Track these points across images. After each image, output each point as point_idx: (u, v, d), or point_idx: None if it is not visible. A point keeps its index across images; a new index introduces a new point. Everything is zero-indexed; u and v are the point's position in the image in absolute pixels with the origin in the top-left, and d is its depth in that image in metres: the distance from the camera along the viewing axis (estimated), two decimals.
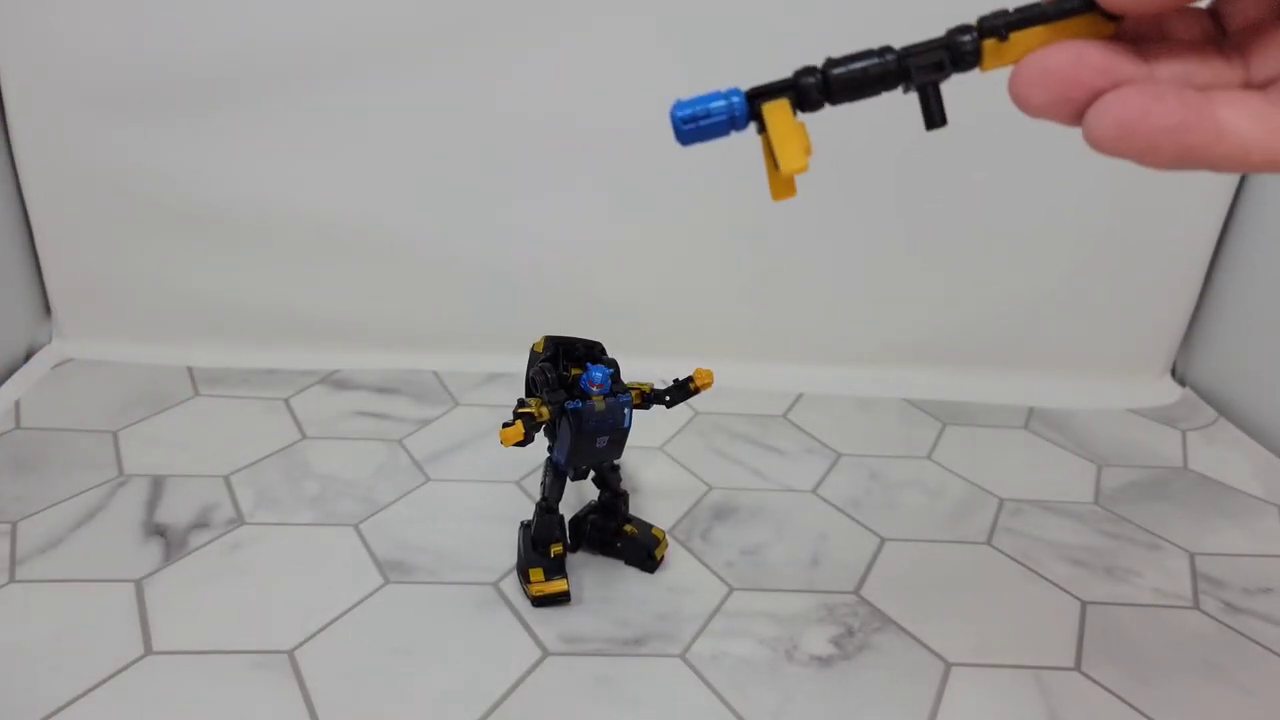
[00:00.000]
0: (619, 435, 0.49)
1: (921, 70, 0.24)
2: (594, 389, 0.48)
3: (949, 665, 0.49)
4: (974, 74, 0.25)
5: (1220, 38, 0.25)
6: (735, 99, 0.25)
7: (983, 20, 0.24)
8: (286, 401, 0.74)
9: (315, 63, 0.72)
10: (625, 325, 0.82)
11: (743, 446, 0.72)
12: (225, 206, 0.77)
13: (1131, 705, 0.47)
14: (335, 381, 0.79)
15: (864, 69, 0.24)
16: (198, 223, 0.77)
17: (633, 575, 0.55)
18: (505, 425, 0.46)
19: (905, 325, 0.84)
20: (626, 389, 0.50)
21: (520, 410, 0.47)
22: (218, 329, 0.81)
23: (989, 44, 0.24)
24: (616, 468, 0.55)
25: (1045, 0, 0.24)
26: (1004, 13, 0.24)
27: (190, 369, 0.78)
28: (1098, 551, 0.61)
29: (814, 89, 0.25)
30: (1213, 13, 0.26)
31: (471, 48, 0.72)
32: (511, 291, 0.82)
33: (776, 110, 0.25)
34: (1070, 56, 0.23)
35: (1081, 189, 0.78)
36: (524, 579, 0.52)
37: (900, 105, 0.74)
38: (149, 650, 0.47)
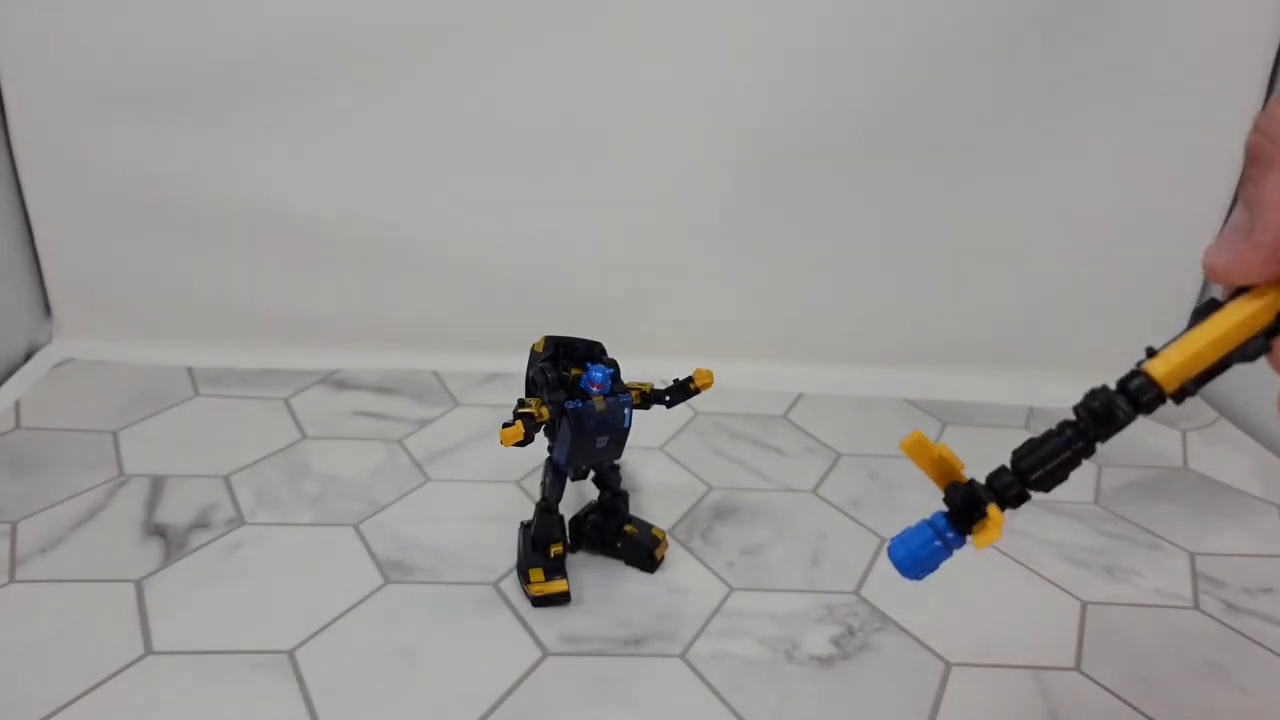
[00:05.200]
0: (619, 435, 0.49)
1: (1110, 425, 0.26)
2: (594, 389, 0.48)
3: (949, 665, 0.49)
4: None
5: None
6: (939, 523, 0.28)
7: (1129, 384, 0.26)
8: (286, 401, 0.74)
9: (313, 63, 0.72)
10: (625, 325, 0.82)
11: (743, 446, 0.72)
12: (226, 207, 0.77)
13: (1131, 705, 0.47)
14: (335, 381, 0.79)
15: (1058, 464, 0.27)
16: (198, 223, 0.77)
17: (633, 575, 0.55)
18: (505, 425, 0.46)
19: (905, 325, 0.84)
20: (626, 389, 0.50)
21: (520, 410, 0.47)
22: (218, 329, 0.81)
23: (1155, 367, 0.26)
24: (616, 467, 0.55)
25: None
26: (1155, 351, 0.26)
27: (190, 369, 0.78)
28: (1098, 551, 0.61)
29: (1013, 488, 0.28)
30: None
31: (472, 47, 0.72)
32: (511, 291, 0.82)
33: (991, 519, 0.27)
34: None
35: (1081, 189, 0.78)
36: (524, 579, 0.53)
37: (901, 104, 0.75)
38: (149, 650, 0.47)
